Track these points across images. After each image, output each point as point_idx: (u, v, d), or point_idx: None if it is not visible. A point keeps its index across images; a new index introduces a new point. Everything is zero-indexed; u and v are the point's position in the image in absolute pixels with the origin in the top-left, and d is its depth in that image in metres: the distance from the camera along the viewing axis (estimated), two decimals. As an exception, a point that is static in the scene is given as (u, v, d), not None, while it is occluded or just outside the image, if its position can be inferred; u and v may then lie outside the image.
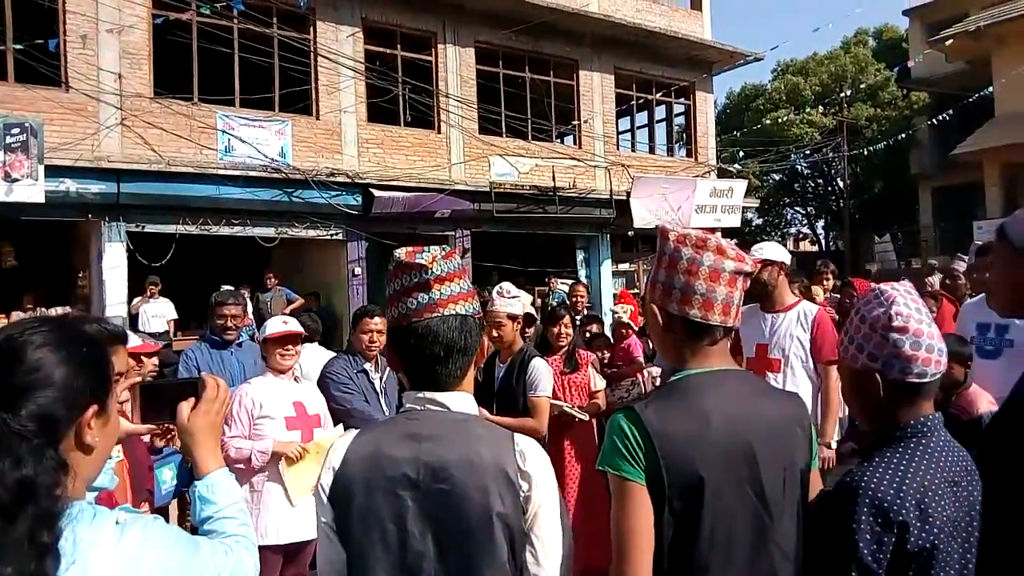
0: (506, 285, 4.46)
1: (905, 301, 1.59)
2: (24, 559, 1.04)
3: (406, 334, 1.56)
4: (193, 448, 1.49)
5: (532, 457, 1.51)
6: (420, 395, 1.57)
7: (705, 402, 1.55)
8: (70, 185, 10.56)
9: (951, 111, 19.42)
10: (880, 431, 1.62)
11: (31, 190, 10.01)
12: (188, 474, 4.13)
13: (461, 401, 1.58)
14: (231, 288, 5.11)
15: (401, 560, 1.46)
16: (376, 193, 12.85)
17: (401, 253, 1.62)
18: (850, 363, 1.65)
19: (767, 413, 1.60)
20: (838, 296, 6.71)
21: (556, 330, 5.00)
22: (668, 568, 1.49)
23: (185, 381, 1.61)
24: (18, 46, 10.33)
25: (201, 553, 1.30)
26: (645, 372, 6.04)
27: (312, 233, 12.90)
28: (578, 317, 7.25)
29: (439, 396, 1.56)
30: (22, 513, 1.05)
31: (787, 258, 4.33)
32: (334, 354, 4.82)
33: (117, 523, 1.19)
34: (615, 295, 7.44)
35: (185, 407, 1.49)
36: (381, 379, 4.43)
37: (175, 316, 11.42)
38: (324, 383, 4.28)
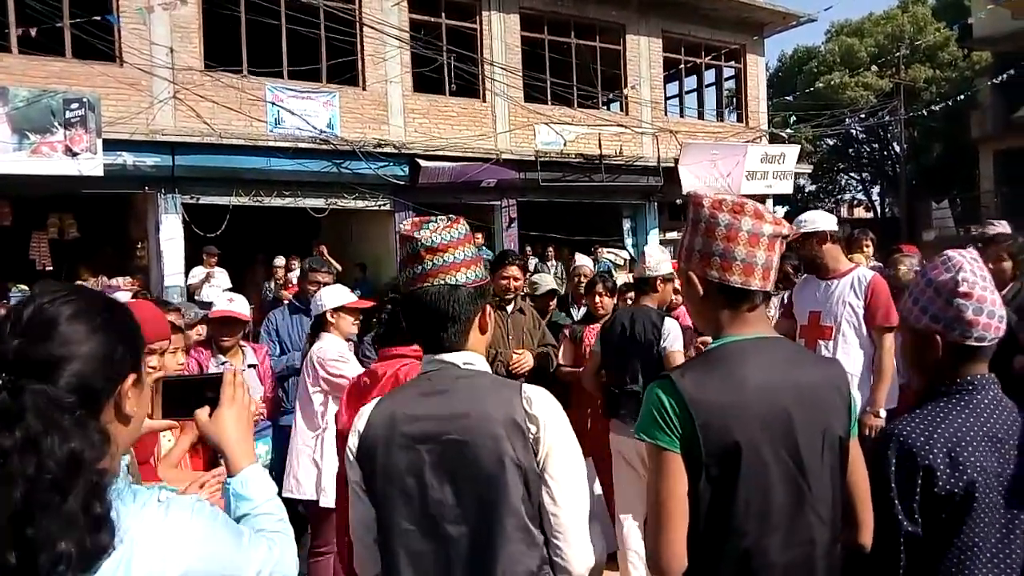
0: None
1: (971, 268, 1.65)
2: (81, 533, 1.01)
3: (406, 302, 1.69)
4: (221, 445, 1.43)
5: (539, 401, 1.59)
6: (431, 357, 1.68)
7: (742, 369, 1.55)
8: (127, 158, 10.83)
9: (1014, 71, 18.60)
10: (928, 388, 1.71)
11: (90, 163, 10.30)
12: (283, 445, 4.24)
13: (469, 358, 1.67)
14: (321, 258, 5.27)
15: (423, 509, 1.56)
16: (422, 163, 12.90)
17: (406, 224, 1.72)
18: (912, 323, 1.72)
19: (805, 380, 1.60)
20: (881, 264, 6.53)
21: (591, 300, 5.04)
22: (704, 534, 1.51)
23: (207, 376, 1.61)
24: (75, 21, 10.56)
25: (245, 542, 1.26)
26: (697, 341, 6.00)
27: (360, 204, 13.05)
28: None
29: (447, 356, 1.66)
30: (75, 487, 1.02)
31: (829, 225, 4.16)
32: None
33: (159, 501, 1.14)
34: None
35: (203, 409, 1.46)
36: None
37: (229, 285, 11.67)
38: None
